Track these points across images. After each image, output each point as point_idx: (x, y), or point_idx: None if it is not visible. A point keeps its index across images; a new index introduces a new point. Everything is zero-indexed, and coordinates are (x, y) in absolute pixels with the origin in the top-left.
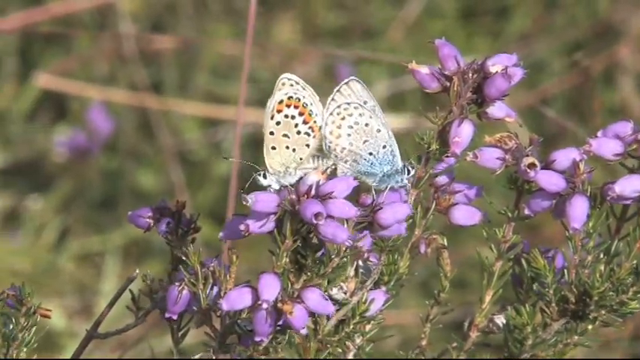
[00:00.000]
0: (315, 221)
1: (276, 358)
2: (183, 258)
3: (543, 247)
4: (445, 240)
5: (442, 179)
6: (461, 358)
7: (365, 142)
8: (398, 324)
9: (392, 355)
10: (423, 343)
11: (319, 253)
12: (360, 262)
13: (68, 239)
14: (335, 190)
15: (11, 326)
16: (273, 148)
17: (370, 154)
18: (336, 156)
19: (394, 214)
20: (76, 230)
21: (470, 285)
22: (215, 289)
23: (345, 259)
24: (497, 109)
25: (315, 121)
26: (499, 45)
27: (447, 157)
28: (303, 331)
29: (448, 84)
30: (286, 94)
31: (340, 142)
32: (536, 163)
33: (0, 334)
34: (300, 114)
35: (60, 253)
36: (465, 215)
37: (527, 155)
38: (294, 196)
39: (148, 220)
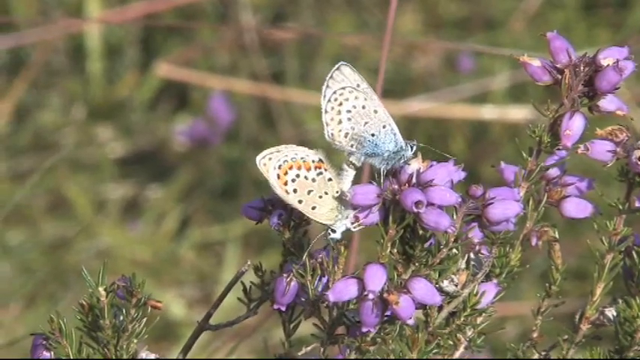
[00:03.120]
0: (415, 209)
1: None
2: (293, 250)
3: None
4: (557, 232)
5: (553, 172)
6: (570, 352)
7: (366, 123)
8: (518, 315)
9: (505, 347)
10: (534, 335)
11: (427, 244)
12: (472, 255)
13: (189, 228)
14: (436, 178)
15: (122, 317)
16: (314, 208)
17: (372, 135)
18: (340, 142)
19: (504, 211)
20: (197, 219)
21: (590, 276)
22: (324, 280)
23: (453, 250)
24: (608, 102)
25: (312, 160)
26: (620, 37)
27: (559, 149)
28: (410, 322)
29: (560, 77)
30: (274, 168)
31: (342, 127)
32: None
33: (110, 326)
34: (299, 168)
35: (180, 242)
36: (576, 208)
37: (639, 148)
38: (395, 186)
39: (259, 211)
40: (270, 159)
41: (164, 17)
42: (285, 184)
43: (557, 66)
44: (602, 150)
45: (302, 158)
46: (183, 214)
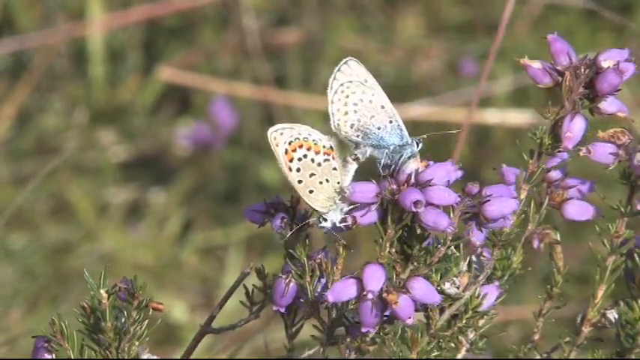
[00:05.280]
0: (414, 209)
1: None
2: (293, 252)
3: None
4: (558, 235)
5: (555, 174)
6: (572, 354)
7: (372, 117)
8: (520, 318)
9: (507, 350)
10: (536, 337)
11: (425, 243)
12: (473, 257)
13: (191, 232)
14: (434, 178)
15: (123, 320)
16: (311, 191)
17: (379, 128)
18: (346, 132)
19: (501, 208)
20: (199, 223)
21: (592, 279)
22: (323, 281)
23: (451, 249)
24: (609, 104)
25: (324, 145)
26: (623, 41)
27: (560, 152)
28: (410, 322)
29: (560, 79)
30: (285, 142)
31: (348, 118)
32: None
33: (112, 328)
34: (308, 149)
35: (183, 246)
36: (578, 210)
37: None
38: (394, 186)
39: (262, 215)
40: (281, 133)
41: (166, 21)
42: (291, 160)
43: (558, 68)
44: (604, 152)
45: (314, 140)
46: (185, 218)
